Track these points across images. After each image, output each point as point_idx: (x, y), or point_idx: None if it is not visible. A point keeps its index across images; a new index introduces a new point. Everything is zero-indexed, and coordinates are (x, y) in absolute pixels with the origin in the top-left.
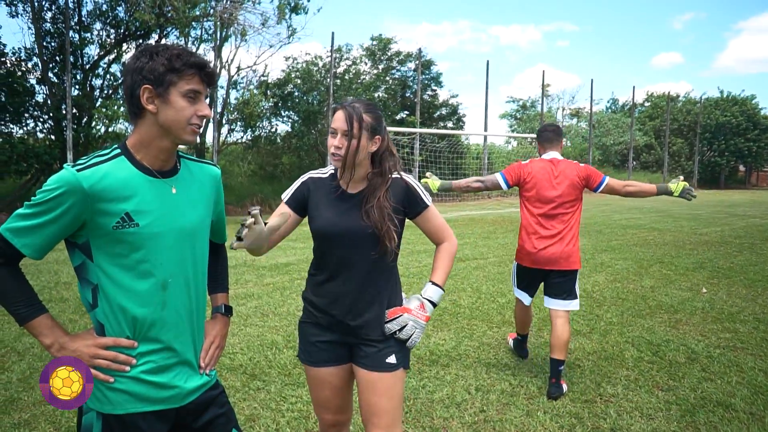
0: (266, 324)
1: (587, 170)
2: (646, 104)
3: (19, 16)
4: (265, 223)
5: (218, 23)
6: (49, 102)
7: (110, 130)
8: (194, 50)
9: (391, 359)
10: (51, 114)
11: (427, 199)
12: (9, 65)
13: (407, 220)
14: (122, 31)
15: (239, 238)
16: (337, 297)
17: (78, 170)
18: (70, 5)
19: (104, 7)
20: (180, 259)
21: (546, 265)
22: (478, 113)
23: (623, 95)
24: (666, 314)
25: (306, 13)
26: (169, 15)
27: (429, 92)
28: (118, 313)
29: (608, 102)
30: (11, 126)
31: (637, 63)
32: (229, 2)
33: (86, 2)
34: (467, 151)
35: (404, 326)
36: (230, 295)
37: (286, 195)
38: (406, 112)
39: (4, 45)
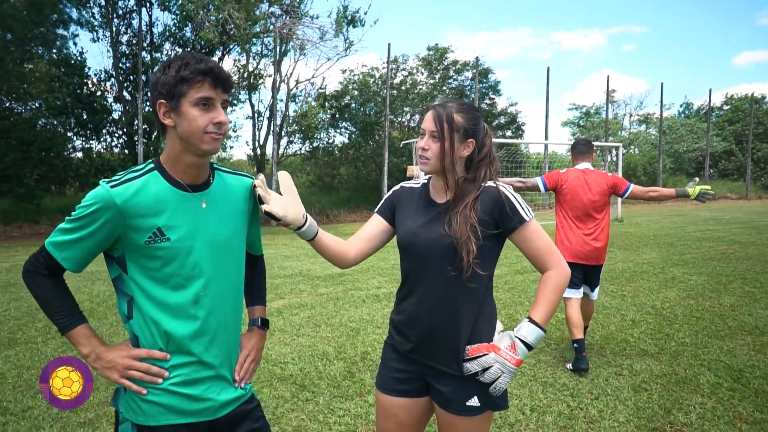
0: (318, 334)
1: (614, 179)
2: (725, 107)
3: (100, 41)
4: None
5: (278, 38)
6: (123, 119)
7: None
8: (254, 65)
9: (473, 401)
10: (125, 130)
11: (525, 213)
12: (91, 86)
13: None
14: (189, 49)
15: (261, 202)
16: (411, 316)
17: (112, 186)
18: (143, 28)
19: (173, 28)
20: (213, 272)
21: (585, 260)
22: (539, 121)
23: (698, 99)
24: (749, 336)
25: (363, 25)
26: (231, 32)
27: (487, 101)
28: (151, 325)
29: (681, 106)
30: (91, 141)
31: (714, 64)
32: (288, 18)
33: (157, 24)
34: (527, 160)
35: (488, 368)
36: (284, 304)
37: (379, 205)
38: None
39: (89, 68)
